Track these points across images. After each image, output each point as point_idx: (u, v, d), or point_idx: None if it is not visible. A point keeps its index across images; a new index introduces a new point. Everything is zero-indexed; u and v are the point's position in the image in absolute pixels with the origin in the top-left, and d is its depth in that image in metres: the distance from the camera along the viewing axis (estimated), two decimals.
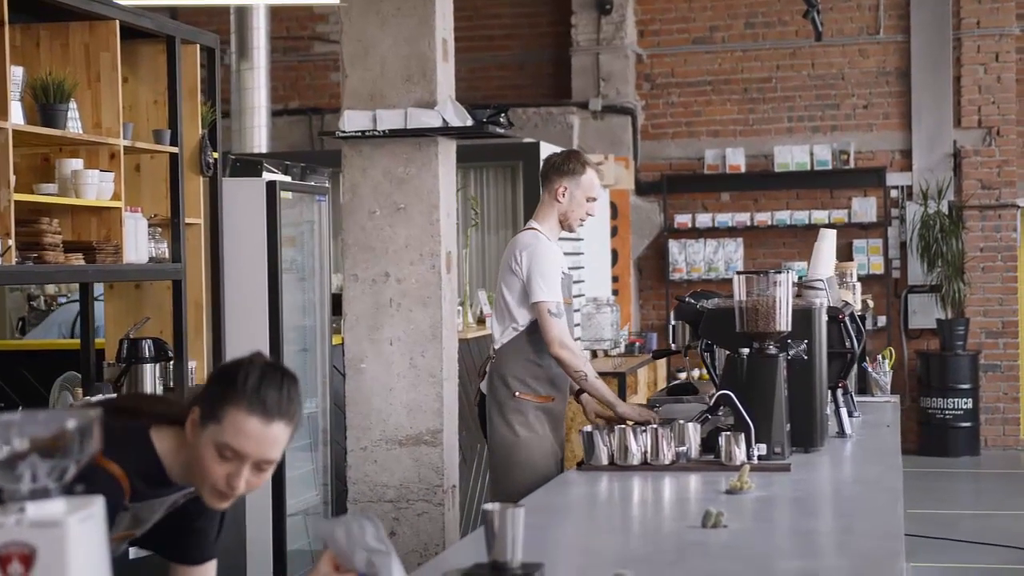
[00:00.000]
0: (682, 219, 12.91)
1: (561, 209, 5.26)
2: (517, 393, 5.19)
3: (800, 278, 5.38)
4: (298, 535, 6.57)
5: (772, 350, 4.41)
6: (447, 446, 5.93)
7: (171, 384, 5.55)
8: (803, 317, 4.54)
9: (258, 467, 2.57)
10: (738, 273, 4.47)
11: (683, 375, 12.29)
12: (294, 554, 6.43)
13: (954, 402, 12.21)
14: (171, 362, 5.52)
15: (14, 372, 6.37)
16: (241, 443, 2.53)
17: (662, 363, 11.42)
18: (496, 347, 5.30)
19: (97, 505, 1.79)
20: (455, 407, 6.12)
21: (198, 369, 5.80)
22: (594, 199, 5.31)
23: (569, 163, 5.29)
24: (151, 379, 5.37)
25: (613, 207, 12.26)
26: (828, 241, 5.54)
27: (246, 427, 2.53)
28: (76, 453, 1.76)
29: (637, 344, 11.36)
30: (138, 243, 5.23)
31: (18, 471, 1.74)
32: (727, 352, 4.57)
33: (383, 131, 5.95)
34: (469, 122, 6.02)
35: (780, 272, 4.43)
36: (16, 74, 4.65)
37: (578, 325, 9.71)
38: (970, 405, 12.23)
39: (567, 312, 5.30)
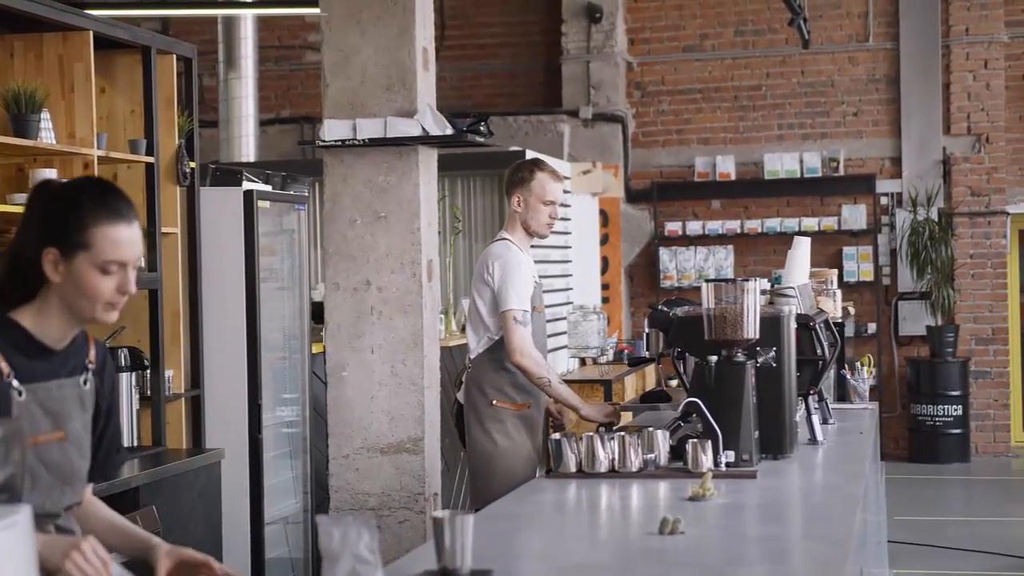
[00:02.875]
0: (672, 227, 12.93)
1: (521, 218, 5.38)
2: (494, 402, 5.28)
3: (774, 285, 5.40)
4: (277, 543, 6.58)
5: (740, 357, 4.42)
6: (429, 454, 5.95)
7: (148, 393, 5.57)
8: (772, 324, 4.55)
9: (134, 268, 2.74)
10: (707, 281, 4.49)
11: (674, 383, 12.30)
12: (272, 562, 6.44)
13: (944, 409, 12.21)
14: (147, 371, 5.54)
15: None
16: (121, 252, 2.69)
17: (651, 370, 11.43)
18: (471, 356, 5.38)
19: (23, 514, 1.80)
20: (436, 415, 6.13)
21: (175, 378, 5.82)
22: (551, 202, 5.39)
23: (518, 172, 5.43)
24: (127, 388, 5.38)
25: (604, 215, 12.28)
26: (802, 249, 5.56)
27: (117, 237, 2.68)
28: (0, 462, 1.78)
29: (626, 352, 11.36)
30: None
31: None
32: (696, 359, 4.58)
33: (363, 140, 5.97)
34: (449, 131, 6.04)
35: (748, 280, 4.44)
36: None
37: (563, 334, 9.73)
38: (960, 412, 12.23)
39: (539, 319, 5.34)
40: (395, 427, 5.94)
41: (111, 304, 2.71)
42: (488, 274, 5.25)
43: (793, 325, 4.69)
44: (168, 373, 5.69)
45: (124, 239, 2.69)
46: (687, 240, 12.92)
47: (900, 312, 12.66)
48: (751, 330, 4.40)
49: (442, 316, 8.06)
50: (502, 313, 5.19)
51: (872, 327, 12.53)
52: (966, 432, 12.31)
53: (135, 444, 5.37)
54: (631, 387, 9.89)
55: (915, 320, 12.55)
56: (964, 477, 11.85)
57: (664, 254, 12.92)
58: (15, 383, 2.65)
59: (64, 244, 2.68)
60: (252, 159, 10.44)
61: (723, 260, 12.84)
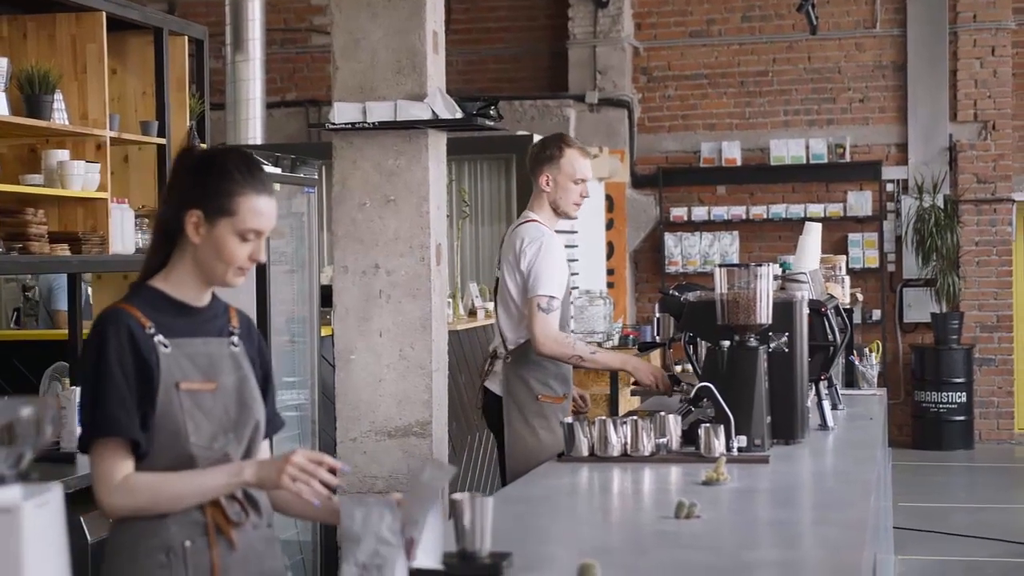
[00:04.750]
0: (678, 212, 12.92)
1: (550, 198, 5.18)
2: (540, 396, 5.10)
3: (784, 271, 5.40)
4: (285, 525, 6.59)
5: (753, 342, 4.42)
6: (436, 438, 5.95)
7: None
8: (784, 310, 4.54)
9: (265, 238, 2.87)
10: (719, 266, 4.48)
11: (679, 368, 12.31)
12: (281, 544, 6.45)
13: (948, 396, 12.23)
14: None
15: (7, 362, 6.39)
16: (261, 223, 2.82)
17: (656, 355, 11.44)
18: (510, 347, 5.17)
19: (54, 492, 1.81)
20: (444, 399, 6.12)
21: None
22: (582, 180, 5.18)
23: (546, 150, 5.22)
24: None
25: (609, 200, 12.27)
26: (813, 235, 5.56)
27: (260, 208, 2.81)
28: (32, 440, 1.78)
29: (632, 337, 11.37)
30: (124, 234, 5.24)
31: None
32: (708, 344, 4.58)
33: (373, 123, 5.96)
34: (459, 114, 6.03)
35: (761, 265, 4.43)
36: (0, 65, 4.66)
37: (572, 317, 9.73)
38: (964, 399, 12.25)
39: (565, 303, 5.26)
40: (403, 411, 5.94)
41: (241, 269, 2.84)
42: (524, 259, 5.05)
43: (805, 311, 4.69)
44: None
45: (265, 210, 2.82)
46: (692, 226, 12.91)
47: (905, 299, 12.66)
48: (764, 315, 4.40)
49: (449, 300, 8.06)
50: (528, 298, 5.01)
51: (877, 314, 12.53)
52: (970, 419, 12.33)
53: None
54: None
55: (920, 307, 12.56)
56: (968, 464, 11.87)
57: (669, 240, 12.92)
58: (160, 337, 2.79)
59: (209, 208, 2.79)
60: (259, 142, 10.42)
61: (728, 246, 12.84)
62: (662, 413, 4.39)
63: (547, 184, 5.18)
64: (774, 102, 12.95)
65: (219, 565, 2.81)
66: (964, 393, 12.25)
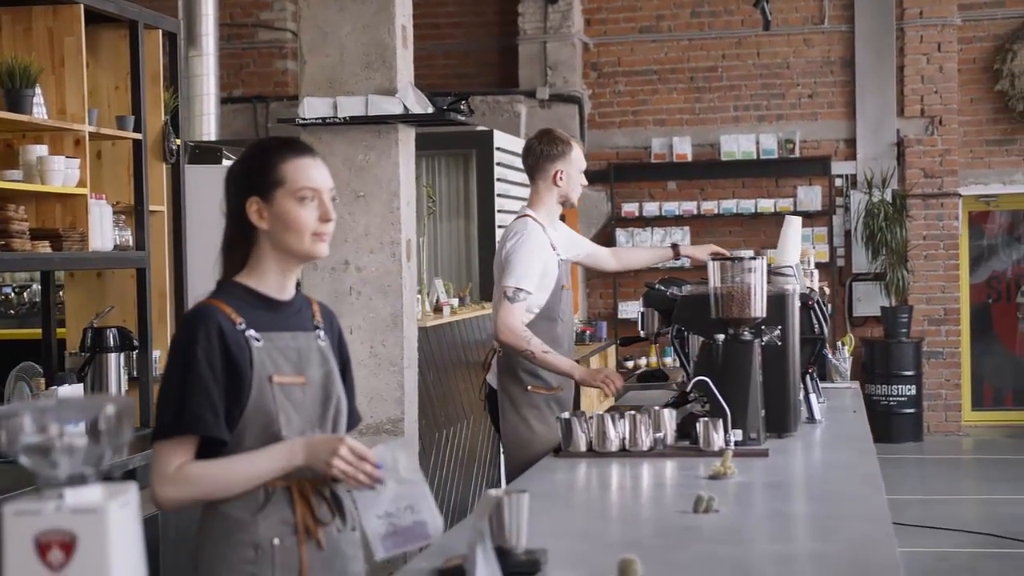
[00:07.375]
0: (629, 208, 12.94)
1: (561, 192, 5.27)
2: (529, 387, 5.14)
3: None
4: None
5: (747, 336, 4.42)
6: (408, 435, 5.93)
7: (135, 374, 5.48)
8: (777, 303, 4.55)
9: (330, 198, 2.88)
10: (713, 259, 4.47)
11: (630, 364, 12.35)
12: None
13: (898, 389, 12.34)
14: (135, 351, 5.45)
15: None
16: (312, 179, 2.85)
17: (611, 351, 11.48)
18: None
19: (132, 491, 1.76)
20: (415, 396, 6.11)
21: (162, 358, 5.73)
22: (584, 168, 5.37)
23: (556, 146, 5.27)
24: (115, 368, 5.30)
25: None
26: (794, 227, 5.58)
27: (305, 166, 2.85)
28: (113, 439, 1.74)
29: (588, 333, 11.41)
30: (103, 230, 5.15)
31: (55, 457, 1.72)
32: (701, 339, 4.58)
33: (343, 118, 5.92)
34: (430, 109, 6.01)
35: (755, 258, 4.43)
36: None
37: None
38: (913, 392, 12.37)
39: (567, 297, 5.25)
40: (375, 408, 5.92)
41: (317, 235, 2.85)
42: (503, 250, 5.12)
43: (797, 303, 4.70)
44: (155, 353, 5.60)
45: (312, 168, 2.86)
46: (644, 221, 12.94)
47: (855, 293, 12.76)
48: (758, 308, 4.40)
49: (417, 297, 8.02)
50: (498, 286, 5.08)
51: (827, 308, 12.61)
52: (919, 412, 12.46)
53: None
54: (596, 366, 9.90)
55: (869, 301, 12.67)
56: (918, 456, 11.99)
57: (621, 235, 12.94)
58: (251, 331, 2.80)
59: (262, 188, 2.84)
60: (213, 138, 10.30)
61: (679, 241, 12.87)
62: (657, 407, 4.39)
63: (560, 179, 5.25)
64: (724, 98, 13.00)
65: (308, 564, 2.80)
66: (913, 386, 12.37)
